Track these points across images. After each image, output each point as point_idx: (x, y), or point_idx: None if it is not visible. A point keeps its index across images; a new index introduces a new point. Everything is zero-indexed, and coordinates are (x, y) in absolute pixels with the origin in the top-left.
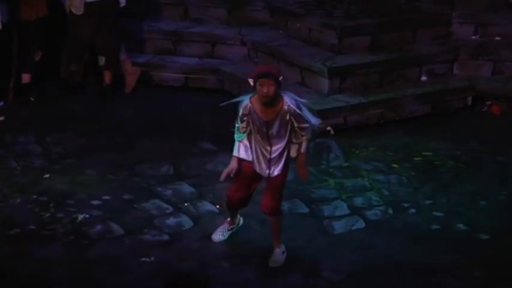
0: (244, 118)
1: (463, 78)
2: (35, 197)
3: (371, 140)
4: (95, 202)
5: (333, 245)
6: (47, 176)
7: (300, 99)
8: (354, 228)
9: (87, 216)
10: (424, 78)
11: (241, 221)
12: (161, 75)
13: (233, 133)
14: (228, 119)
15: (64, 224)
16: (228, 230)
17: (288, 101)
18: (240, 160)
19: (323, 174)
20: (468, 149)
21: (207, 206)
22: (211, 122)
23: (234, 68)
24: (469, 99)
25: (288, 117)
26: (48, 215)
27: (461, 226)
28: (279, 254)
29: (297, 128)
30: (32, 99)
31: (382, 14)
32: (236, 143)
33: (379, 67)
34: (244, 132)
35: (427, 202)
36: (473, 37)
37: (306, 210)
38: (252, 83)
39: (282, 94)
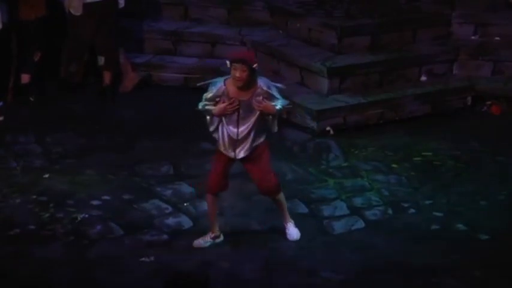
0: (217, 99)
1: (462, 78)
2: (34, 197)
3: (371, 140)
4: (95, 202)
5: (333, 245)
6: (47, 176)
7: (274, 84)
8: (353, 228)
9: (87, 216)
10: (423, 78)
11: (222, 237)
12: (161, 75)
13: None
14: None
15: (64, 224)
16: (210, 239)
17: (262, 85)
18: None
19: (323, 174)
20: (468, 149)
21: (206, 206)
22: None
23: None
24: (469, 99)
25: (260, 99)
26: (48, 215)
27: (461, 226)
28: (292, 226)
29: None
30: (31, 99)
31: (382, 14)
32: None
33: (379, 67)
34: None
35: (427, 202)
36: (473, 37)
37: (305, 210)
38: (228, 65)
39: (258, 79)
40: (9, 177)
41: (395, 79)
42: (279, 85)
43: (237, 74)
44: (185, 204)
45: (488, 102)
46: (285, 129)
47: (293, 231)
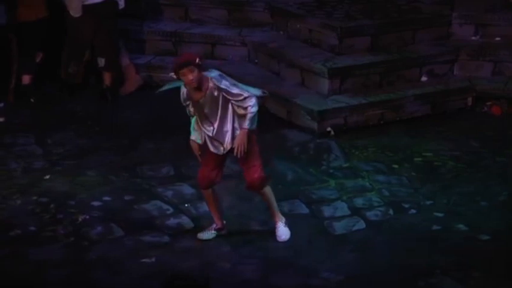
0: (187, 103)
1: (463, 79)
2: (35, 198)
3: (371, 141)
4: (96, 203)
5: (333, 245)
6: (47, 177)
7: (213, 73)
8: (354, 229)
9: (88, 217)
10: (424, 78)
11: (226, 230)
12: (162, 76)
13: None
14: None
15: (65, 225)
16: (214, 231)
17: (213, 79)
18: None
19: (323, 175)
20: (468, 150)
21: (207, 207)
22: None
23: (234, 69)
24: (469, 99)
25: (216, 93)
26: (48, 216)
27: (461, 227)
28: (282, 226)
29: (233, 101)
30: (32, 100)
31: (382, 14)
32: (191, 126)
33: (380, 68)
34: (193, 115)
35: (428, 203)
36: (473, 38)
37: (306, 211)
38: (175, 77)
39: (206, 73)
40: (10, 179)
41: (396, 80)
42: (214, 74)
43: (190, 77)
44: (186, 205)
45: (489, 103)
46: (286, 130)
47: (282, 232)
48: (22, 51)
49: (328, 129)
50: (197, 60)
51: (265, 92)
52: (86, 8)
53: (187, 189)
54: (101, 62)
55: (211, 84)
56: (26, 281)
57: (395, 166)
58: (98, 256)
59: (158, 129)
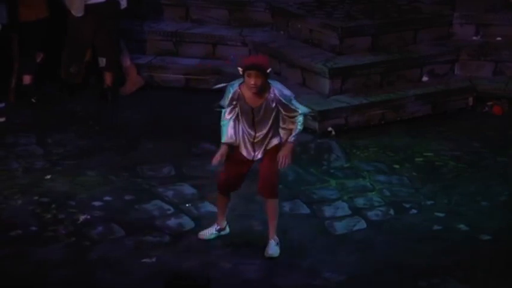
0: (233, 103)
1: (464, 79)
2: (36, 198)
3: (372, 141)
4: (96, 203)
5: (334, 245)
6: (48, 177)
7: (286, 90)
8: (355, 229)
9: (89, 217)
10: (425, 78)
11: (228, 229)
12: (162, 76)
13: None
14: None
15: (65, 225)
16: (216, 231)
17: (275, 90)
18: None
19: (324, 174)
20: (469, 150)
21: (208, 206)
22: (213, 122)
23: (236, 69)
24: (470, 99)
25: (273, 104)
26: (49, 216)
27: (462, 227)
28: (273, 245)
29: (285, 116)
30: (33, 100)
31: (382, 14)
32: (224, 128)
33: (380, 68)
34: (229, 119)
35: (429, 203)
36: (474, 37)
37: (307, 211)
38: (240, 72)
39: (270, 82)
40: (11, 179)
41: (397, 80)
42: (288, 92)
43: (252, 82)
44: (187, 205)
45: (490, 103)
46: None
47: (272, 250)
48: (22, 51)
49: (329, 129)
50: (269, 69)
51: (312, 111)
52: (89, 8)
53: (188, 189)
54: (102, 61)
55: (272, 95)
56: (26, 281)
57: (396, 166)
58: (99, 256)
59: (159, 129)
